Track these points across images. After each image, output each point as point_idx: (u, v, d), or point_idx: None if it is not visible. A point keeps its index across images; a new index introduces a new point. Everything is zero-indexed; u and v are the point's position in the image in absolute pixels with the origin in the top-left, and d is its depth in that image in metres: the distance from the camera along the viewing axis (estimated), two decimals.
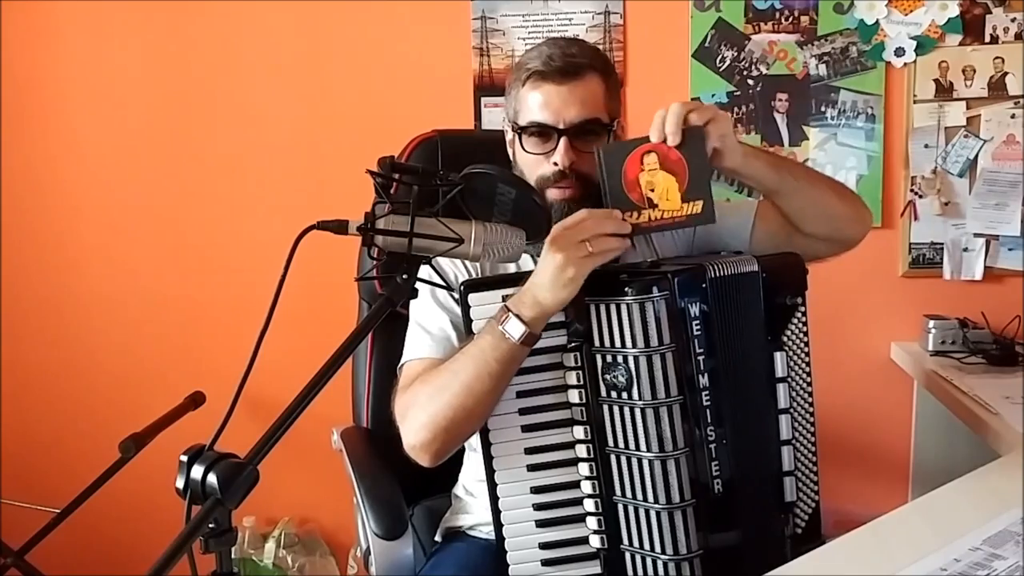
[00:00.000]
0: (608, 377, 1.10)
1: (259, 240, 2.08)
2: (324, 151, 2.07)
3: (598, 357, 1.11)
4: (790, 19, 1.93)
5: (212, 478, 0.80)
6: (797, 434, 1.19)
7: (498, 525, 1.17)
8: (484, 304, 1.16)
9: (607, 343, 1.10)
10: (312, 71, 2.06)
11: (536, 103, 1.27)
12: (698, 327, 1.10)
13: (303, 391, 0.88)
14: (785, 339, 1.18)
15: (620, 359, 1.09)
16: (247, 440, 0.84)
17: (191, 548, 0.77)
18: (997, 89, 1.90)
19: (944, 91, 1.92)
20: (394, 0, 2.00)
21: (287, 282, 0.91)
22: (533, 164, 1.29)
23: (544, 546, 1.16)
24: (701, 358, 1.10)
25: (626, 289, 1.08)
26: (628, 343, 1.08)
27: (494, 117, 1.99)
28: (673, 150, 1.11)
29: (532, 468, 1.16)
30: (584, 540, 1.15)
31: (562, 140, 1.26)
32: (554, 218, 1.27)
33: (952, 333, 1.85)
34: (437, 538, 1.41)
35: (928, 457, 1.97)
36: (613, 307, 1.09)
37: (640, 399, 1.08)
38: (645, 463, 1.09)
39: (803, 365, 1.20)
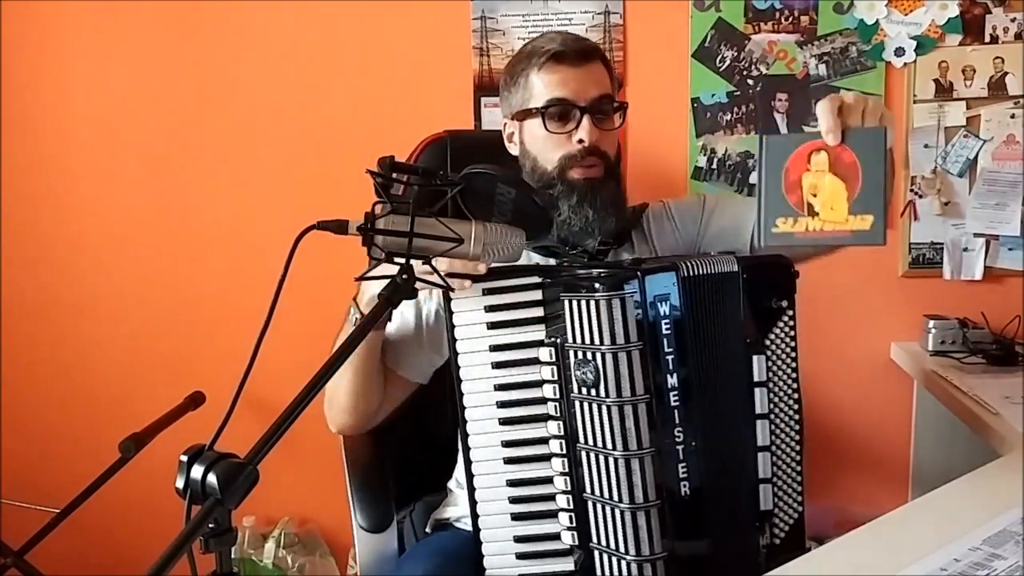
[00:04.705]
0: (579, 373, 1.10)
1: (259, 240, 2.08)
2: (324, 151, 2.07)
3: (571, 353, 1.11)
4: (790, 19, 1.93)
5: (212, 478, 0.80)
6: (778, 441, 1.17)
7: (475, 516, 1.18)
8: (465, 311, 1.17)
9: (578, 339, 1.10)
10: (312, 71, 2.06)
11: (555, 83, 1.29)
12: (668, 326, 1.10)
13: (303, 391, 0.88)
14: (768, 343, 1.16)
15: (590, 355, 1.09)
16: (247, 440, 0.84)
17: (191, 548, 0.77)
18: (997, 89, 1.90)
19: (944, 91, 1.92)
20: (394, 0, 2.00)
21: (287, 282, 0.91)
22: (555, 145, 1.30)
23: (519, 540, 1.17)
24: (671, 358, 1.10)
25: (596, 285, 1.09)
26: (596, 339, 1.08)
27: (494, 117, 1.99)
28: (848, 151, 0.97)
29: (509, 461, 1.17)
30: (558, 536, 1.15)
31: (585, 117, 1.29)
32: (577, 196, 1.28)
33: (952, 333, 1.85)
34: (428, 530, 1.42)
35: (928, 457, 1.97)
36: (584, 303, 1.09)
37: (607, 396, 1.08)
38: (612, 461, 1.09)
39: (788, 371, 1.18)
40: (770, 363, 1.16)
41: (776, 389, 1.17)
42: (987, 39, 1.89)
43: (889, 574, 0.86)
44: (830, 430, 2.00)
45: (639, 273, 1.09)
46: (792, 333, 1.18)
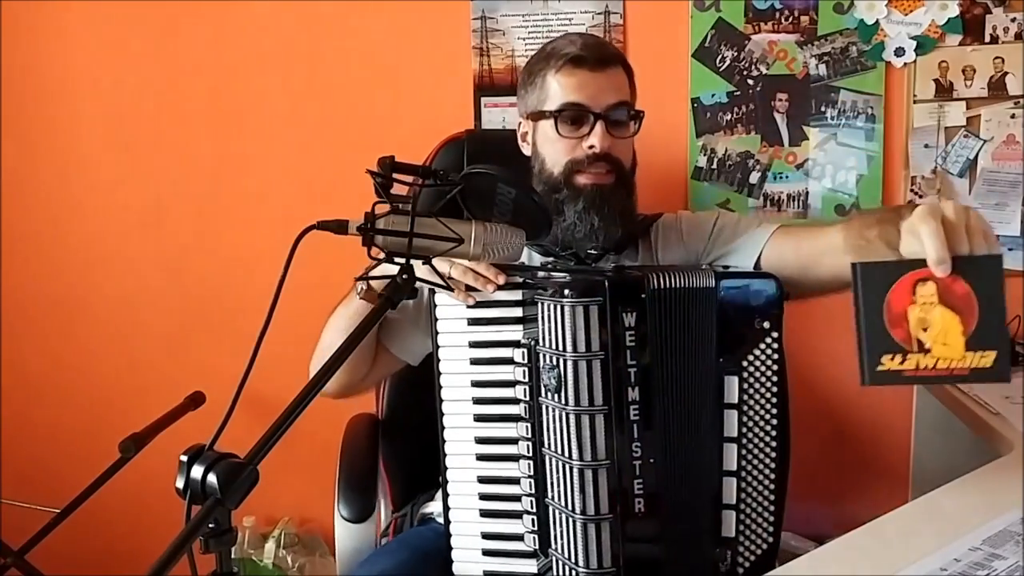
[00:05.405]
0: (545, 377, 1.10)
1: (259, 240, 2.08)
2: (324, 151, 2.07)
3: (541, 356, 1.11)
4: (790, 19, 1.93)
5: (212, 478, 0.80)
6: (750, 467, 1.13)
7: (446, 509, 1.19)
8: (450, 304, 1.18)
9: (547, 343, 1.09)
10: (312, 71, 2.06)
11: (571, 86, 1.28)
12: (632, 338, 1.07)
13: (303, 391, 0.88)
14: (746, 364, 1.12)
15: (555, 360, 1.08)
16: (247, 440, 0.84)
17: (191, 548, 0.77)
18: (997, 89, 1.90)
19: (944, 91, 1.92)
20: (394, 0, 2.00)
21: (287, 282, 0.91)
22: (564, 149, 1.29)
23: (486, 536, 1.17)
24: (633, 371, 1.08)
25: (566, 291, 1.08)
26: (560, 345, 1.07)
27: (494, 117, 1.99)
28: (960, 281, 0.87)
29: (480, 458, 1.17)
30: (522, 538, 1.15)
31: (599, 124, 1.27)
32: (584, 202, 1.27)
33: None
34: (415, 523, 1.44)
35: (928, 457, 1.97)
36: (554, 307, 1.08)
37: (567, 404, 1.07)
38: (569, 469, 1.08)
39: (767, 395, 1.13)
40: (746, 385, 1.12)
41: (751, 413, 1.13)
42: (987, 39, 1.89)
43: (889, 574, 0.86)
44: (830, 430, 2.00)
45: (606, 282, 1.07)
46: (775, 357, 1.12)
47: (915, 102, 1.93)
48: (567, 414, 1.07)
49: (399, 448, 1.60)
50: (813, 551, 0.97)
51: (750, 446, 1.13)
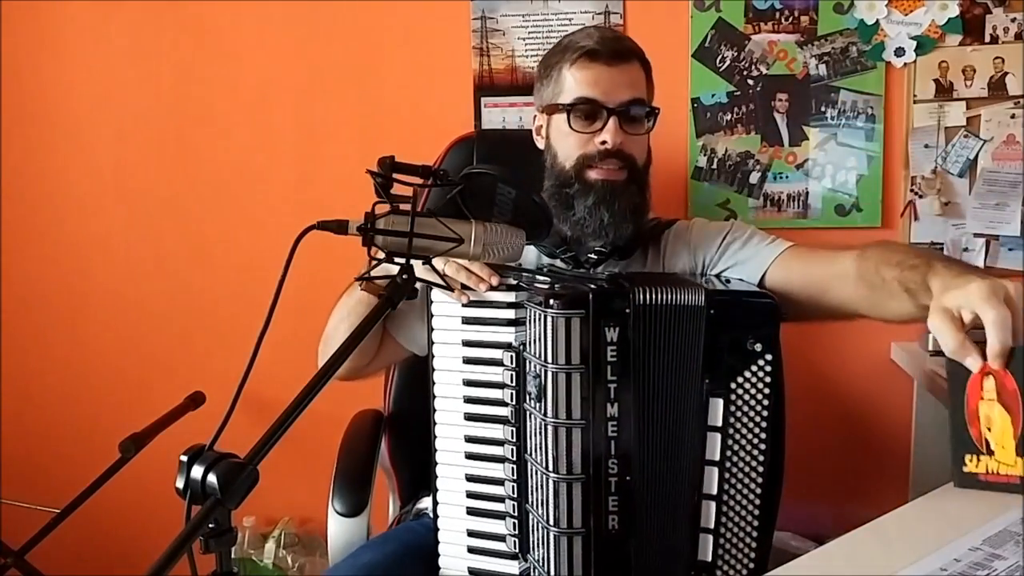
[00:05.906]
0: (529, 384, 1.09)
1: (260, 240, 2.08)
2: (325, 151, 2.07)
3: (527, 362, 1.10)
4: (790, 19, 1.93)
5: (212, 478, 0.80)
6: (732, 491, 1.09)
7: (435, 504, 1.20)
8: (445, 302, 1.18)
9: (531, 350, 1.09)
10: (312, 71, 2.06)
11: (586, 81, 1.27)
12: (613, 353, 1.06)
13: (303, 391, 0.88)
14: (735, 386, 1.07)
15: (539, 369, 1.07)
16: (247, 440, 0.84)
17: (191, 548, 0.77)
18: (997, 89, 1.90)
19: (944, 91, 1.92)
20: (394, 0, 2.00)
21: (288, 282, 0.91)
22: (576, 144, 1.28)
23: (471, 534, 1.17)
24: (612, 386, 1.06)
25: (552, 301, 1.06)
26: (542, 354, 1.06)
27: (494, 117, 1.99)
28: (1009, 377, 0.80)
29: (469, 456, 1.17)
30: (505, 539, 1.16)
31: (611, 119, 1.26)
32: (594, 198, 1.26)
33: None
34: (412, 518, 1.44)
35: (928, 457, 1.97)
36: (539, 314, 1.07)
37: (546, 415, 1.06)
38: (545, 479, 1.07)
39: (756, 419, 1.08)
40: (733, 408, 1.08)
41: (738, 437, 1.08)
42: (987, 39, 1.89)
43: (889, 574, 0.85)
44: (830, 430, 2.00)
45: (590, 295, 1.06)
46: (767, 380, 1.07)
47: (915, 102, 1.93)
48: (546, 425, 1.07)
49: (407, 444, 1.61)
50: (813, 551, 0.97)
51: (734, 470, 1.09)
